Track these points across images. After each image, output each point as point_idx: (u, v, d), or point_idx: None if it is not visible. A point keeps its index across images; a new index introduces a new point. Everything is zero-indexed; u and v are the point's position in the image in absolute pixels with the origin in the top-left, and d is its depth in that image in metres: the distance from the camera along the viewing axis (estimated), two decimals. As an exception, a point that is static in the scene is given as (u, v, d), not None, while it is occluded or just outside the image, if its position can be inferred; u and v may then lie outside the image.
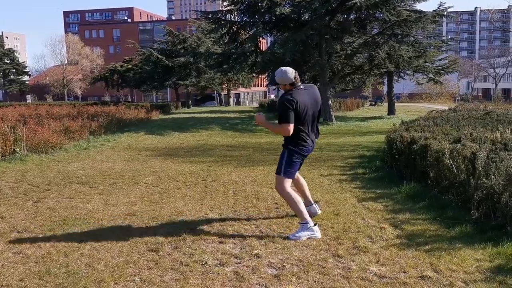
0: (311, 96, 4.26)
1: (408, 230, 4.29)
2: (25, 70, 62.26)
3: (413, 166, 6.28)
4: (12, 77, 59.45)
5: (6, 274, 3.41)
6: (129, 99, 57.16)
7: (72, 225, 4.64)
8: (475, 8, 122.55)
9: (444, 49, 27.76)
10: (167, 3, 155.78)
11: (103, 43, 76.85)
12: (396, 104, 28.35)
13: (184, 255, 3.75)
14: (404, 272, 3.34)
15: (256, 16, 19.18)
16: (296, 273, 3.35)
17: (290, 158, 4.22)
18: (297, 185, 4.70)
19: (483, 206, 4.48)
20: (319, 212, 4.82)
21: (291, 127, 4.04)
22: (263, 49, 22.89)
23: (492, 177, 4.41)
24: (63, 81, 56.87)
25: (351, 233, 4.25)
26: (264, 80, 39.16)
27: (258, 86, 65.53)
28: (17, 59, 61.27)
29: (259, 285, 3.19)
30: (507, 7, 61.31)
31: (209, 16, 20.08)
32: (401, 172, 6.66)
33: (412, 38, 21.73)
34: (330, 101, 20.22)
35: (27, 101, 52.23)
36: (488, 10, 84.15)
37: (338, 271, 3.39)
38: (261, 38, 22.71)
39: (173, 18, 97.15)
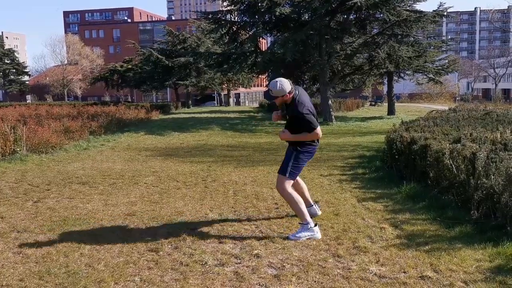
0: (307, 96, 4.33)
1: (408, 230, 4.29)
2: (25, 70, 62.25)
3: (413, 166, 6.28)
4: (12, 77, 59.45)
5: (6, 274, 3.41)
6: (129, 99, 57.15)
7: (72, 225, 4.64)
8: (475, 8, 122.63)
9: (444, 49, 27.76)
10: (167, 3, 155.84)
11: (103, 43, 76.85)
12: (396, 104, 28.36)
13: (184, 255, 3.75)
14: (404, 272, 3.34)
15: (256, 16, 19.18)
16: (296, 273, 3.35)
17: (298, 159, 4.25)
18: (296, 187, 4.69)
19: (483, 206, 4.48)
20: (319, 213, 4.83)
21: (319, 129, 4.21)
22: (263, 49, 22.89)
23: (492, 177, 4.41)
24: (63, 81, 56.86)
25: (351, 233, 4.25)
26: (264, 80, 39.15)
27: (258, 86, 65.51)
28: (17, 59, 61.25)
29: (259, 285, 3.19)
30: (507, 7, 61.30)
31: (209, 16, 20.07)
32: (401, 172, 6.66)
33: (412, 38, 21.73)
34: (330, 101, 20.22)
35: (27, 101, 52.22)
36: (488, 10, 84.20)
37: (338, 271, 3.39)
38: (261, 38, 22.72)
39: (173, 18, 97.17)
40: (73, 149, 11.17)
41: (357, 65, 22.15)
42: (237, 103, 61.57)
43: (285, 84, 4.09)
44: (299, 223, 4.28)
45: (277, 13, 17.63)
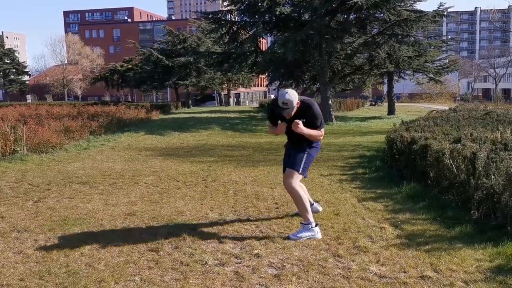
0: None
1: (408, 230, 4.29)
2: (25, 70, 62.24)
3: (413, 166, 6.28)
4: (12, 77, 59.44)
5: (6, 274, 3.41)
6: (129, 99, 57.16)
7: (73, 225, 4.64)
8: (475, 8, 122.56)
9: (444, 49, 27.76)
10: (167, 3, 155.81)
11: (103, 43, 76.85)
12: (396, 104, 28.36)
13: (184, 255, 3.75)
14: (404, 272, 3.34)
15: (256, 16, 19.18)
16: (296, 273, 3.35)
17: (309, 156, 4.30)
18: None
19: (483, 206, 4.48)
20: (321, 209, 4.89)
21: (323, 133, 4.29)
22: (263, 49, 22.90)
23: (492, 177, 4.42)
24: (63, 81, 56.86)
25: (351, 233, 4.25)
26: (264, 80, 39.17)
27: (258, 86, 65.54)
28: (17, 59, 61.26)
29: (259, 285, 3.19)
30: (507, 7, 61.30)
31: (209, 16, 20.08)
32: (401, 172, 6.66)
33: (413, 38, 21.73)
34: (330, 101, 20.22)
35: (27, 101, 52.23)
36: (488, 10, 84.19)
37: (338, 271, 3.39)
38: (261, 38, 22.72)
39: (173, 18, 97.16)
40: (73, 149, 11.17)
41: (357, 65, 22.15)
42: (237, 103, 61.58)
43: (295, 93, 4.04)
44: (300, 222, 4.29)
45: (277, 13, 17.63)
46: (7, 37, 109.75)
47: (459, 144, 5.57)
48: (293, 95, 3.98)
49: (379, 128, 16.93)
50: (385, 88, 36.73)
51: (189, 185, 6.61)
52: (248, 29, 20.48)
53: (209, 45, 32.82)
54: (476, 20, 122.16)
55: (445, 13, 19.26)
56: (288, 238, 4.09)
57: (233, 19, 20.59)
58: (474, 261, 3.50)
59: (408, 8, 19.63)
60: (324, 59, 18.78)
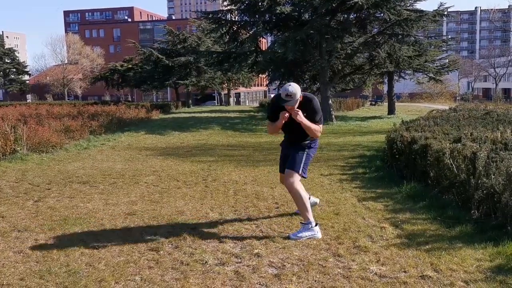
0: None
1: (409, 230, 4.29)
2: (26, 70, 62.28)
3: (413, 166, 6.28)
4: (12, 76, 59.48)
5: (7, 274, 3.41)
6: (129, 99, 57.16)
7: (73, 225, 4.64)
8: (476, 7, 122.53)
9: (445, 48, 27.75)
10: (167, 2, 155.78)
11: (103, 42, 76.86)
12: (396, 103, 28.35)
13: (185, 254, 3.75)
14: (405, 271, 3.34)
15: (257, 16, 19.19)
16: (296, 273, 3.35)
17: (308, 156, 4.31)
18: None
19: (483, 206, 4.48)
20: (318, 200, 5.01)
21: (322, 128, 4.26)
22: (264, 49, 22.89)
23: (493, 176, 4.42)
24: (63, 80, 56.88)
25: (351, 232, 4.25)
26: (264, 79, 39.19)
27: (258, 85, 65.54)
28: (17, 58, 61.29)
29: (260, 284, 3.19)
30: (507, 7, 61.26)
31: (209, 16, 20.08)
32: (402, 171, 6.66)
33: (413, 38, 21.73)
34: (330, 101, 20.22)
35: (27, 101, 52.25)
36: (488, 9, 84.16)
37: (339, 270, 3.39)
38: (261, 38, 22.72)
39: (173, 17, 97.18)
40: (74, 148, 11.17)
41: (358, 64, 22.15)
42: (237, 102, 61.60)
43: (297, 86, 4.07)
44: (301, 222, 4.29)
45: (277, 12, 17.62)
46: (7, 36, 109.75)
47: (459, 144, 5.57)
48: (296, 88, 4.01)
49: (379, 127, 16.93)
50: (385, 88, 36.73)
51: (189, 185, 6.62)
52: (248, 28, 20.49)
53: (209, 44, 32.82)
54: (476, 20, 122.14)
55: (445, 13, 19.25)
56: (288, 237, 4.09)
57: (233, 19, 20.59)
58: (475, 261, 3.50)
59: (408, 7, 19.63)
60: (324, 59, 18.78)
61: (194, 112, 28.24)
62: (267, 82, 26.33)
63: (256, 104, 45.86)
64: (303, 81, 23.32)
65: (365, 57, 21.61)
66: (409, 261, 3.51)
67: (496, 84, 70.21)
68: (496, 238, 3.86)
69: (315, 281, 3.22)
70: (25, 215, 5.05)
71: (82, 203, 5.55)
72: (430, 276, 3.23)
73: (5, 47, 60.52)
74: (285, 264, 3.53)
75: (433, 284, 3.13)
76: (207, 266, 3.50)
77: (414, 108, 32.75)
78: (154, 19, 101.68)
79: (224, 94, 48.98)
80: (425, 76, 26.21)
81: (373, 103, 41.84)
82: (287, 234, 4.17)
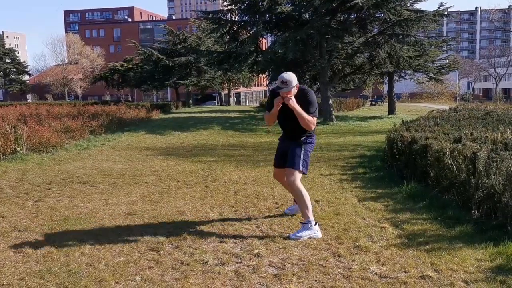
0: None
1: (409, 230, 4.29)
2: (26, 70, 62.28)
3: (413, 166, 6.28)
4: (12, 76, 59.48)
5: (7, 273, 3.41)
6: (130, 99, 57.20)
7: (73, 225, 4.64)
8: (476, 8, 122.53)
9: (445, 48, 27.75)
10: (167, 2, 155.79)
11: (104, 42, 76.89)
12: (397, 103, 28.37)
13: (185, 254, 3.75)
14: (405, 271, 3.34)
15: (257, 16, 19.19)
16: (296, 273, 3.35)
17: (306, 152, 4.29)
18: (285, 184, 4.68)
19: (483, 206, 4.48)
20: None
21: (315, 121, 4.21)
22: (264, 49, 22.90)
23: (493, 177, 4.41)
24: (64, 80, 56.89)
25: (351, 232, 4.25)
26: (265, 79, 39.22)
27: (258, 85, 65.54)
28: (17, 58, 61.27)
29: (260, 284, 3.19)
30: (507, 7, 61.25)
31: (210, 16, 20.08)
32: (402, 172, 6.66)
33: (413, 38, 21.73)
34: (330, 101, 20.22)
35: (28, 101, 52.28)
36: (488, 9, 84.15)
37: (339, 270, 3.39)
38: (261, 38, 22.73)
39: (174, 17, 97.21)
40: (74, 148, 11.18)
41: (358, 64, 22.16)
42: (238, 102, 61.62)
43: (294, 75, 4.15)
44: (300, 222, 4.29)
45: (277, 12, 17.62)
46: (7, 36, 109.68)
47: (459, 144, 5.57)
48: (292, 76, 4.10)
49: (380, 127, 16.92)
50: (385, 88, 36.75)
51: (189, 185, 6.62)
52: (249, 28, 20.49)
53: (210, 44, 32.83)
54: (477, 20, 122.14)
55: (446, 13, 19.25)
56: (288, 237, 4.09)
57: (233, 19, 20.59)
58: (475, 261, 3.49)
59: (408, 7, 19.62)
60: (325, 59, 18.78)
61: (194, 112, 28.25)
62: (267, 82, 26.34)
63: (257, 104, 45.90)
64: (304, 81, 23.32)
65: (365, 57, 21.61)
66: (409, 261, 3.51)
67: (496, 84, 70.21)
68: (496, 238, 3.86)
69: (315, 281, 3.22)
70: (25, 215, 5.05)
71: (82, 203, 5.55)
72: (430, 276, 3.23)
73: (5, 47, 60.50)
74: (285, 264, 3.52)
75: (434, 284, 3.13)
76: (207, 266, 3.50)
77: (414, 108, 32.75)
78: (154, 19, 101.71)
79: (224, 94, 49.00)
80: (425, 76, 26.22)
81: (373, 103, 41.86)
82: (287, 234, 4.17)
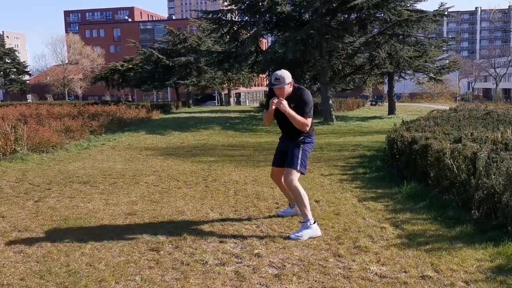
0: None
1: (409, 230, 4.29)
2: (26, 70, 62.27)
3: (413, 166, 6.28)
4: (12, 76, 59.48)
5: (7, 273, 3.41)
6: (130, 99, 57.18)
7: (73, 225, 4.64)
8: (476, 8, 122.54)
9: (445, 48, 27.76)
10: (167, 2, 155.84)
11: (104, 42, 76.90)
12: (397, 104, 28.37)
13: (185, 254, 3.75)
14: (405, 272, 3.34)
15: (257, 16, 19.19)
16: (296, 273, 3.35)
17: (304, 152, 4.29)
18: (281, 186, 4.68)
19: (483, 206, 4.48)
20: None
21: (310, 123, 4.21)
22: (264, 49, 22.90)
23: (493, 177, 4.41)
24: (64, 80, 56.91)
25: (351, 232, 4.25)
26: (265, 79, 39.24)
27: (258, 85, 65.54)
28: (17, 58, 61.27)
29: (260, 284, 3.19)
30: (508, 7, 61.28)
31: (210, 16, 20.08)
32: (402, 172, 6.66)
33: (414, 38, 21.73)
34: (330, 101, 20.22)
35: (28, 101, 52.29)
36: (489, 10, 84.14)
37: (339, 270, 3.39)
38: (261, 38, 22.72)
39: (174, 17, 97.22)
40: (74, 148, 11.18)
41: (358, 64, 22.16)
42: (238, 102, 61.61)
43: (288, 72, 4.20)
44: (299, 222, 4.29)
45: (278, 12, 17.62)
46: (7, 36, 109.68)
47: (459, 144, 5.57)
48: (285, 73, 4.15)
49: (380, 128, 16.92)
50: (385, 88, 36.74)
51: (189, 185, 6.62)
52: (249, 28, 20.49)
53: (210, 44, 32.83)
54: (477, 20, 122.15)
55: (446, 13, 19.24)
56: (288, 238, 4.09)
57: (233, 19, 20.59)
58: (475, 261, 3.49)
59: (408, 8, 19.62)
60: (325, 59, 18.78)
61: (194, 112, 28.25)
62: (267, 82, 26.33)
63: (257, 104, 45.88)
64: (304, 81, 23.32)
65: (365, 57, 21.61)
66: (409, 261, 3.51)
67: (497, 84, 70.21)
68: (497, 239, 3.86)
69: (316, 281, 3.22)
70: (25, 215, 5.06)
71: (82, 203, 5.55)
72: (430, 276, 3.23)
73: (6, 47, 60.51)
74: (285, 264, 3.52)
75: (434, 284, 3.13)
76: (208, 266, 3.50)
77: (415, 108, 32.75)
78: (154, 19, 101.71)
79: (225, 94, 49.00)
80: (425, 76, 26.22)
81: (374, 103, 41.85)
82: (287, 234, 4.17)
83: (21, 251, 3.88)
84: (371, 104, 40.91)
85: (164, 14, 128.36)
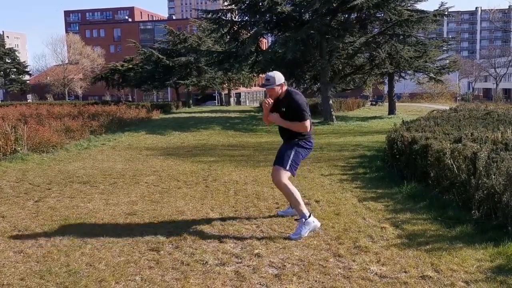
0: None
1: (409, 230, 4.29)
2: (26, 70, 62.28)
3: (413, 166, 6.28)
4: (13, 76, 59.48)
5: (7, 273, 3.41)
6: (130, 99, 57.19)
7: (73, 225, 4.64)
8: (476, 8, 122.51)
9: (445, 48, 27.76)
10: (167, 2, 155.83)
11: (104, 42, 76.89)
12: (397, 104, 28.37)
13: (185, 254, 3.75)
14: (405, 272, 3.34)
15: (257, 16, 19.18)
16: (297, 273, 3.35)
17: (297, 154, 4.28)
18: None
19: (484, 206, 4.48)
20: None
21: (309, 122, 4.22)
22: (264, 49, 22.90)
23: (493, 177, 4.41)
24: (64, 80, 56.90)
25: (351, 232, 4.25)
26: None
27: (258, 85, 65.53)
28: (18, 58, 61.27)
29: (260, 284, 3.19)
30: (508, 7, 61.31)
31: (210, 16, 20.07)
32: (402, 172, 6.66)
33: (415, 39, 21.72)
34: (330, 101, 20.22)
35: (28, 101, 52.28)
36: (489, 10, 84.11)
37: (339, 270, 3.38)
38: (261, 38, 22.71)
39: (174, 17, 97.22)
40: (74, 148, 11.18)
41: (358, 64, 22.15)
42: (238, 102, 61.57)
43: (280, 74, 4.27)
44: (295, 219, 4.30)
45: (278, 12, 17.61)
46: (7, 36, 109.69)
47: (459, 144, 5.57)
48: (276, 74, 4.22)
49: (380, 128, 16.92)
50: (385, 88, 36.74)
51: (189, 185, 6.61)
52: (249, 28, 20.48)
53: (210, 44, 32.83)
54: (477, 20, 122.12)
55: (446, 13, 19.24)
56: (289, 238, 4.08)
57: (233, 19, 20.59)
58: (475, 261, 3.49)
59: (409, 8, 19.62)
60: (325, 59, 18.78)
61: (194, 112, 28.26)
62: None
63: (257, 104, 45.88)
64: (304, 81, 23.32)
65: (366, 57, 21.61)
66: (409, 261, 3.51)
67: (497, 84, 70.19)
68: (497, 239, 3.86)
69: (316, 281, 3.22)
70: (25, 215, 5.06)
71: (82, 203, 5.55)
72: (430, 276, 3.23)
73: (6, 47, 60.52)
74: (285, 264, 3.52)
75: (434, 284, 3.13)
76: (208, 266, 3.50)
77: (415, 108, 32.75)
78: (154, 19, 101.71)
79: (225, 94, 49.00)
80: (425, 76, 26.22)
81: (374, 103, 41.85)
82: (287, 234, 4.17)
83: (21, 251, 3.89)
84: (371, 104, 40.91)
85: (164, 14, 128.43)
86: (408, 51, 20.48)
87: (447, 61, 26.64)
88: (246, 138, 14.32)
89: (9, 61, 59.07)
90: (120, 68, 41.22)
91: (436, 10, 19.23)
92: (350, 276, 3.27)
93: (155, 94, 57.28)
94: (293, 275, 3.31)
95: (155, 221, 4.75)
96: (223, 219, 4.75)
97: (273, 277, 3.29)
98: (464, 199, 4.84)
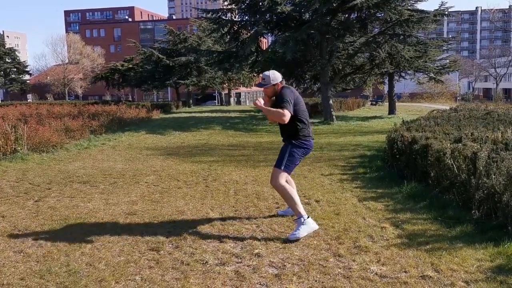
0: (298, 94, 4.41)
1: (409, 230, 4.29)
2: (26, 69, 62.22)
3: (414, 166, 6.28)
4: (13, 76, 59.42)
5: (7, 273, 3.41)
6: (130, 99, 57.17)
7: (73, 224, 4.64)
8: (476, 7, 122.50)
9: (445, 48, 27.76)
10: (168, 2, 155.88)
11: (104, 42, 76.91)
12: (397, 103, 28.37)
13: (185, 254, 3.75)
14: (405, 271, 3.34)
15: (257, 15, 19.17)
16: (297, 273, 3.35)
17: (293, 153, 4.28)
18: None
19: (484, 206, 4.48)
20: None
21: (288, 114, 4.11)
22: (264, 49, 22.90)
23: (493, 177, 4.41)
24: (64, 80, 56.89)
25: (352, 232, 4.25)
26: (265, 79, 39.22)
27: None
28: (18, 58, 61.21)
29: (260, 284, 3.19)
30: (508, 7, 61.29)
31: (210, 15, 20.07)
32: (402, 171, 6.66)
33: (415, 39, 21.70)
34: (331, 101, 20.21)
35: (28, 100, 52.28)
36: (489, 9, 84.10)
37: (339, 270, 3.38)
38: (262, 38, 22.71)
39: (174, 17, 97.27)
40: (74, 148, 11.18)
41: (358, 64, 22.15)
42: (238, 102, 61.58)
43: (277, 73, 4.32)
44: (294, 220, 4.29)
45: (278, 11, 17.60)
46: (7, 36, 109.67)
47: (460, 144, 5.57)
48: (271, 73, 4.30)
49: (380, 127, 16.91)
50: (385, 88, 36.74)
51: (189, 185, 6.61)
52: (249, 28, 20.47)
53: (210, 44, 32.84)
54: (477, 20, 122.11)
55: (446, 13, 19.23)
56: (287, 239, 4.06)
57: (234, 18, 20.57)
58: (475, 261, 3.49)
59: (409, 7, 19.61)
60: (325, 59, 18.77)
61: (194, 112, 28.25)
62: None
63: (257, 104, 45.77)
64: (304, 81, 23.31)
65: (366, 57, 21.60)
66: (409, 261, 3.51)
67: (497, 84, 70.19)
68: (497, 238, 3.86)
69: (316, 281, 3.21)
70: (25, 215, 5.06)
71: (82, 203, 5.55)
72: (430, 276, 3.23)
73: (6, 47, 60.40)
74: (285, 264, 3.52)
75: (434, 284, 3.13)
76: (208, 266, 3.50)
77: (415, 108, 32.75)
78: (154, 19, 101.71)
79: (225, 94, 49.01)
80: (425, 76, 26.21)
81: (374, 103, 41.87)
82: (287, 235, 4.16)
83: (21, 251, 3.89)
84: (371, 104, 40.92)
85: (164, 14, 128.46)
86: (408, 51, 20.47)
87: (447, 61, 26.63)
88: (246, 138, 14.31)
89: (9, 60, 59.02)
90: (120, 68, 41.21)
91: (436, 10, 19.22)
92: (350, 276, 3.27)
93: (155, 94, 57.29)
94: (293, 275, 3.31)
95: (155, 221, 4.75)
96: (223, 219, 4.75)
97: (273, 277, 3.29)
98: (464, 199, 4.84)
